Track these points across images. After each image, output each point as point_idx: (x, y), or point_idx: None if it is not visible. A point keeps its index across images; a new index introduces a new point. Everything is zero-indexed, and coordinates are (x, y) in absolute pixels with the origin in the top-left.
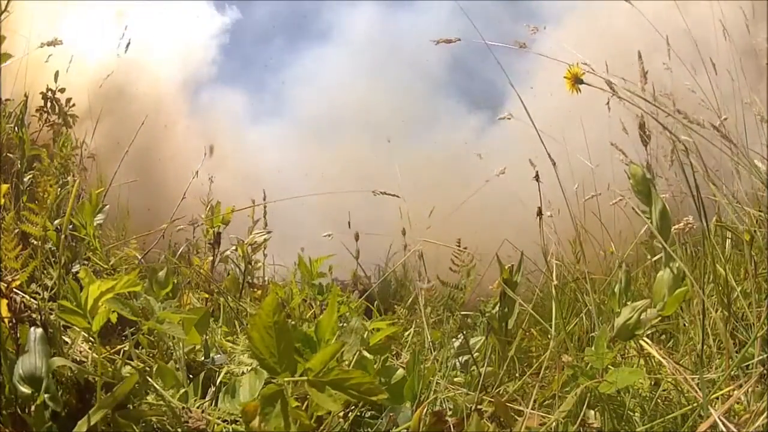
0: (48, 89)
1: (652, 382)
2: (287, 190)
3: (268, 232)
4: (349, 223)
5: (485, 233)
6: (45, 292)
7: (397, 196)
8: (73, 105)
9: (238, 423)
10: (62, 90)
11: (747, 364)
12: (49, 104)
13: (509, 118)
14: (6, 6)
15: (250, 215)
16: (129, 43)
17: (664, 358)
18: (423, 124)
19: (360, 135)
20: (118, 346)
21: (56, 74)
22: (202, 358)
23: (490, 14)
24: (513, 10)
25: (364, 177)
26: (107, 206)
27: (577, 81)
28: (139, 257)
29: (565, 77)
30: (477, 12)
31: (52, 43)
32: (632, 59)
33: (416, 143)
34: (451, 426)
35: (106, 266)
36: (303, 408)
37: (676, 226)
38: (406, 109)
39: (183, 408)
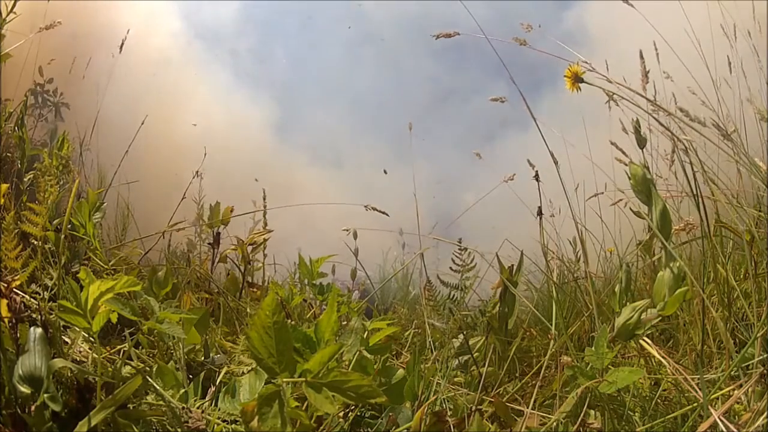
0: (36, 84)
1: (652, 382)
2: (292, 187)
3: (268, 232)
4: (355, 235)
5: (485, 232)
6: (45, 292)
7: (386, 214)
8: (62, 94)
9: (238, 423)
10: (50, 80)
11: (747, 364)
12: (39, 99)
13: (502, 102)
14: (12, 7)
15: (253, 217)
16: (123, 43)
17: (664, 358)
18: (429, 122)
19: (368, 136)
20: (118, 346)
21: (40, 69)
22: (202, 358)
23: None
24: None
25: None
26: (105, 204)
27: (577, 80)
28: (140, 257)
29: (565, 76)
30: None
31: (50, 27)
32: (633, 59)
33: (420, 143)
34: (452, 426)
35: (106, 266)
36: (303, 408)
37: (677, 227)
38: (415, 108)
39: (183, 408)
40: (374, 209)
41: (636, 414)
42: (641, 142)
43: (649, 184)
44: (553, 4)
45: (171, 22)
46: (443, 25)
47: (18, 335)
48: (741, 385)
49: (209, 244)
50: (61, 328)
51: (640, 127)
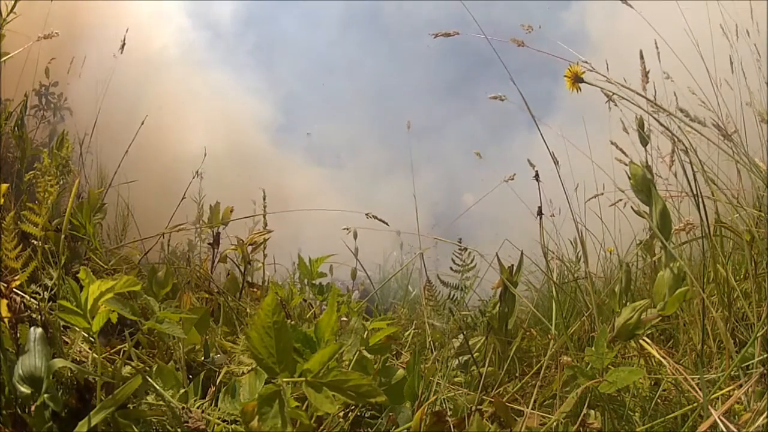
0: (41, 85)
1: (652, 382)
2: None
3: (268, 232)
4: (355, 235)
5: (485, 232)
6: (45, 292)
7: (386, 223)
8: (66, 99)
9: (237, 423)
10: (55, 84)
11: (747, 364)
12: (43, 100)
13: (502, 100)
14: (13, 7)
15: (253, 216)
16: (124, 43)
17: (664, 358)
18: (429, 123)
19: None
20: (118, 346)
21: (47, 70)
22: (202, 358)
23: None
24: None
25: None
26: (106, 205)
27: (577, 80)
28: (140, 257)
29: (565, 76)
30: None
31: (49, 36)
32: (633, 59)
33: (420, 143)
34: (452, 426)
35: (106, 266)
36: (303, 408)
37: (677, 227)
38: (414, 108)
39: (183, 408)
40: (375, 217)
41: (636, 414)
42: (644, 140)
43: (649, 183)
44: (553, 4)
45: (172, 23)
46: (448, 24)
47: (18, 335)
48: (741, 385)
49: (209, 244)
50: (61, 328)
51: (643, 125)
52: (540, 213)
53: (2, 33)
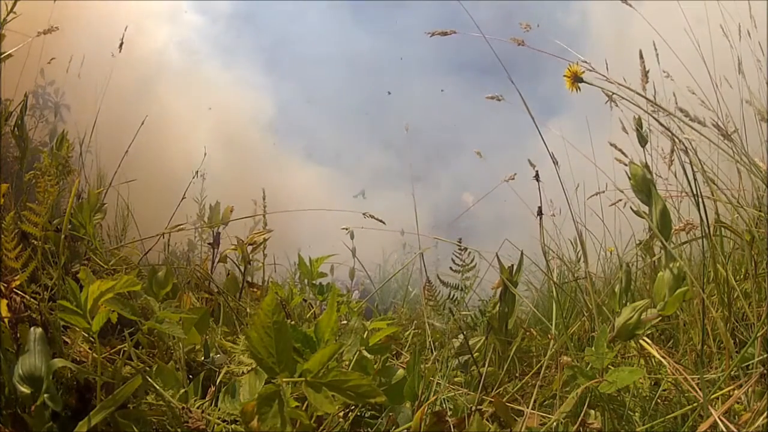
0: (37, 86)
1: (652, 382)
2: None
3: (268, 232)
4: (352, 235)
5: (485, 232)
6: (45, 292)
7: (383, 222)
8: (64, 94)
9: (237, 423)
10: (52, 83)
11: (747, 364)
12: (40, 100)
13: (499, 100)
14: (12, 7)
15: (253, 216)
16: (123, 42)
17: (664, 358)
18: (429, 121)
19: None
20: (118, 346)
21: (42, 71)
22: (202, 358)
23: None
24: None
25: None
26: (106, 205)
27: (576, 80)
28: (140, 257)
29: (565, 76)
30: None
31: (49, 31)
32: (633, 59)
33: (420, 143)
34: (452, 426)
35: (105, 266)
36: (303, 408)
37: (677, 227)
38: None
39: (183, 408)
40: (372, 217)
41: (636, 414)
42: (642, 140)
43: (649, 183)
44: (553, 4)
45: (172, 21)
46: (449, 24)
47: (18, 335)
48: (741, 385)
49: (209, 244)
50: (61, 328)
51: (641, 125)
52: (540, 213)
53: (2, 33)
